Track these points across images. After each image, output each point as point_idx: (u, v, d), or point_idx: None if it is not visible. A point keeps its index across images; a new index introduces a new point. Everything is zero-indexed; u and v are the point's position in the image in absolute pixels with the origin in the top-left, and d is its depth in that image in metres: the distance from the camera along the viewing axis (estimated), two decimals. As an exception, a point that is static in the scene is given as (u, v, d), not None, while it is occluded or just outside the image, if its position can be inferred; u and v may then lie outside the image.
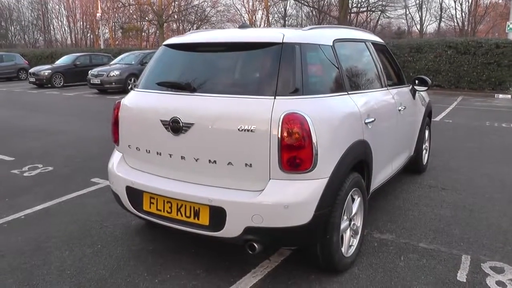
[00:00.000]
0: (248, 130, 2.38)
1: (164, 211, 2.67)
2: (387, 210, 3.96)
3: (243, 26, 3.09)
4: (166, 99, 2.73)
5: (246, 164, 2.42)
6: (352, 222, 2.88)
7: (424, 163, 5.14)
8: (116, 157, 3.08)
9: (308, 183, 2.40)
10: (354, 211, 2.88)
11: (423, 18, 40.63)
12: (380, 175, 3.49)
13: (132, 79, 14.68)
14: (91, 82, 14.87)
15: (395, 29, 40.43)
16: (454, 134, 7.63)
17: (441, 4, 38.59)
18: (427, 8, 40.21)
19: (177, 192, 2.58)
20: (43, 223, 3.67)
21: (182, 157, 2.61)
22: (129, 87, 14.41)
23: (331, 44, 2.93)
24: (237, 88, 2.63)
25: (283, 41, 2.57)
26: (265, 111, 2.38)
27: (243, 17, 34.88)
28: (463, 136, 7.46)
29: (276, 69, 2.49)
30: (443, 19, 39.66)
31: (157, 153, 2.72)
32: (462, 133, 7.74)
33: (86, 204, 4.10)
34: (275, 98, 2.41)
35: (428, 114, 5.07)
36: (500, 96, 13.61)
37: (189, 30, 32.69)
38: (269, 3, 32.11)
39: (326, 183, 2.45)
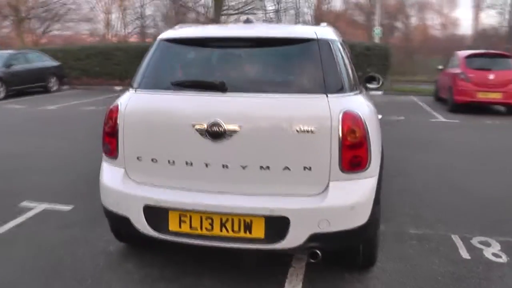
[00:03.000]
0: (307, 131, 2.23)
1: (202, 228, 2.33)
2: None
3: (247, 21, 2.88)
4: (197, 101, 2.38)
5: (305, 168, 2.26)
6: (373, 217, 2.93)
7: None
8: (114, 173, 2.57)
9: (365, 182, 2.36)
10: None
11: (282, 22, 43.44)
12: None
13: (-3, 84, 12.40)
14: None
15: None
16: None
17: (296, 10, 41.81)
18: (285, 14, 43.14)
19: (221, 205, 2.28)
20: (-7, 263, 2.91)
21: (224, 166, 2.31)
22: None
23: (341, 41, 2.93)
24: (281, 87, 2.44)
25: (318, 37, 2.48)
26: (322, 110, 2.26)
27: (99, 16, 32.38)
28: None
29: (319, 65, 2.39)
30: (299, 24, 42.99)
31: (187, 163, 2.37)
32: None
33: (35, 233, 3.37)
34: (327, 96, 2.31)
35: None
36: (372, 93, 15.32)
37: (40, 28, 28.87)
38: (124, 3, 30.32)
39: (377, 180, 2.44)
